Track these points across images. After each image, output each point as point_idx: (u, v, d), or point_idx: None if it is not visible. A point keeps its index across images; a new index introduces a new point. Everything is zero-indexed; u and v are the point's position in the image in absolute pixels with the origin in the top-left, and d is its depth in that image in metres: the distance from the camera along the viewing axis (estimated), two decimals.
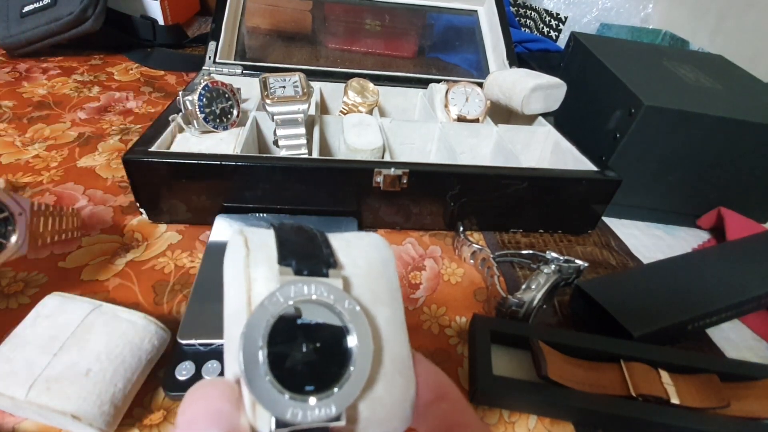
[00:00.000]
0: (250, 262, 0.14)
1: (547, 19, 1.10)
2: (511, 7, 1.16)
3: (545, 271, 0.40)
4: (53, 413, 0.26)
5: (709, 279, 0.42)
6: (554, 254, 0.43)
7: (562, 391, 0.32)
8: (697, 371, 0.34)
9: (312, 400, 0.13)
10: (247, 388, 0.12)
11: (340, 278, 0.15)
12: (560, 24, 1.07)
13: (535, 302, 0.38)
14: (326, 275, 0.14)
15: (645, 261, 0.52)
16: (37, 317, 0.30)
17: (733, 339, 0.43)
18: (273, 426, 0.12)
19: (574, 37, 0.69)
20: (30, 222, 0.34)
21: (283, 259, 0.14)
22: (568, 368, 0.34)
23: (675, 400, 0.32)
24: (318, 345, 0.13)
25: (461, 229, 0.48)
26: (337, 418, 0.13)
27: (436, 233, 0.51)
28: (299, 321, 0.13)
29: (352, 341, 0.14)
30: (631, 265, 0.51)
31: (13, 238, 0.33)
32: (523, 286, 0.39)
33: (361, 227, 0.49)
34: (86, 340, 0.29)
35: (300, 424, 0.12)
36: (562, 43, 1.05)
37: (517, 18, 1.16)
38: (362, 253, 0.16)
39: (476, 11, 0.80)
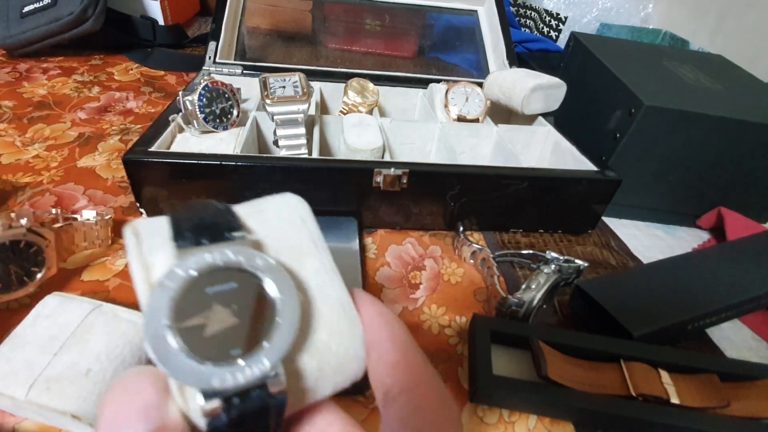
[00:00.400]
0: (143, 250, 0.14)
1: (547, 19, 1.10)
2: (511, 7, 1.16)
3: (545, 271, 0.40)
4: (53, 413, 0.26)
5: (709, 279, 0.42)
6: (554, 254, 0.43)
7: (562, 390, 0.32)
8: (697, 371, 0.34)
9: (240, 361, 0.12)
10: (164, 370, 0.11)
11: (246, 239, 0.14)
12: (560, 24, 1.07)
13: (535, 302, 0.38)
14: (230, 239, 0.13)
15: (645, 261, 0.52)
16: (37, 317, 0.30)
17: (733, 339, 0.43)
18: (201, 401, 0.11)
19: (574, 37, 0.69)
20: (56, 246, 0.37)
21: (179, 236, 0.13)
22: (568, 368, 0.34)
23: (675, 400, 0.32)
24: (236, 307, 0.12)
25: (461, 229, 0.48)
26: (274, 375, 0.12)
27: (436, 233, 0.51)
28: (209, 290, 0.12)
29: (273, 294, 0.13)
30: (631, 265, 0.51)
31: (43, 271, 0.36)
32: (523, 286, 0.39)
33: (361, 227, 0.49)
34: (86, 340, 0.29)
35: (231, 388, 0.11)
36: (562, 43, 1.05)
37: (517, 18, 1.16)
38: (275, 214, 0.16)
39: (476, 11, 0.80)
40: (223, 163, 0.41)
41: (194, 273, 0.12)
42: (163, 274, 0.12)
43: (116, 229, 0.43)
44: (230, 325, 0.12)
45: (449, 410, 0.14)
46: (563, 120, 0.62)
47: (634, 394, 0.32)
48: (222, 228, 0.14)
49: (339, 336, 0.14)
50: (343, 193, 0.45)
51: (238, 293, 0.13)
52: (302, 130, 0.49)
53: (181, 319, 0.12)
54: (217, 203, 0.15)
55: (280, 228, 0.15)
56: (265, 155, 0.44)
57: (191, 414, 0.12)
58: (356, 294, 0.16)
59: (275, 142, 0.49)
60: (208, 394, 0.11)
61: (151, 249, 0.14)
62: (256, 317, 0.12)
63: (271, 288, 0.13)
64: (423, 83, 0.66)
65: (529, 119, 0.62)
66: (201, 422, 0.11)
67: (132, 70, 0.81)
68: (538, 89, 0.56)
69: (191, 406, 0.12)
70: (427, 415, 0.13)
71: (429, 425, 0.13)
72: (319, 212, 0.16)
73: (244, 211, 0.16)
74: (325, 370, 0.14)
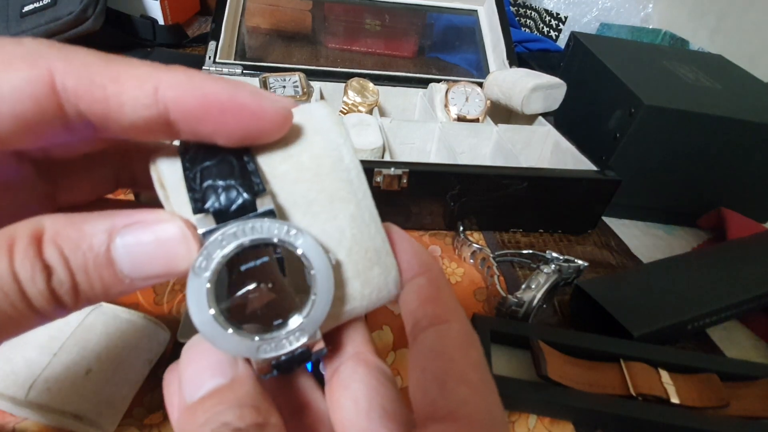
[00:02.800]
0: (172, 205, 0.13)
1: (547, 18, 1.10)
2: (511, 7, 1.16)
3: (545, 270, 0.40)
4: (53, 413, 0.26)
5: (709, 279, 0.42)
6: (554, 254, 0.43)
7: (562, 390, 0.32)
8: (696, 371, 0.34)
9: (282, 332, 0.13)
10: (220, 349, 0.12)
11: (271, 205, 0.13)
12: (560, 24, 1.07)
13: (535, 302, 0.38)
14: (254, 208, 0.13)
15: (645, 261, 0.52)
16: None
17: (733, 339, 0.43)
18: (257, 366, 0.13)
19: (574, 36, 0.69)
20: None
21: (198, 207, 0.12)
22: (567, 368, 0.34)
23: (675, 400, 0.32)
24: (270, 281, 0.13)
25: (461, 228, 0.48)
26: (314, 339, 0.13)
27: (436, 233, 0.51)
28: (243, 267, 0.13)
29: (306, 263, 0.13)
30: (631, 265, 0.51)
31: None
32: (523, 286, 0.39)
33: None
34: (86, 340, 0.29)
35: (277, 356, 0.13)
36: (562, 43, 1.05)
37: (517, 18, 1.16)
38: (306, 148, 0.14)
39: (476, 11, 0.80)
40: None
41: (225, 256, 0.12)
42: (194, 260, 0.12)
43: None
44: (269, 301, 0.13)
45: (476, 350, 0.14)
46: (563, 120, 0.62)
47: (633, 393, 0.32)
48: (244, 189, 0.13)
49: (372, 285, 0.15)
50: None
51: (270, 267, 0.13)
52: None
53: (222, 302, 0.12)
54: (236, 159, 0.13)
55: (312, 167, 0.14)
56: None
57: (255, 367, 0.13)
58: (393, 232, 0.15)
59: None
60: (263, 362, 0.13)
61: (180, 205, 0.13)
62: (292, 287, 0.13)
63: (303, 258, 0.13)
64: (423, 83, 0.66)
65: (529, 119, 0.62)
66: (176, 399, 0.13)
67: None
68: (538, 89, 0.56)
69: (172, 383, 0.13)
70: (454, 354, 0.13)
71: (456, 364, 0.13)
72: None
73: (266, 154, 0.14)
74: (356, 308, 0.15)
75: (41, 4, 0.74)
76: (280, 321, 0.13)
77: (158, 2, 0.88)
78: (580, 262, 0.42)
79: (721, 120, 0.50)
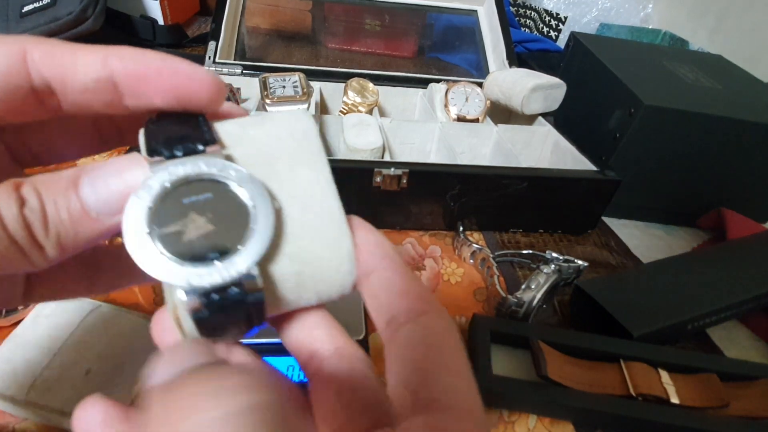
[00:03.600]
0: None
1: (547, 19, 1.10)
2: (510, 7, 1.16)
3: (545, 270, 0.40)
4: (53, 413, 0.26)
5: (709, 279, 0.42)
6: (554, 254, 0.43)
7: (562, 390, 0.32)
8: (696, 371, 0.34)
9: (217, 263, 0.12)
10: (147, 270, 0.12)
11: (219, 151, 0.14)
12: (560, 24, 1.07)
13: (535, 302, 0.38)
14: (203, 152, 0.14)
15: (645, 261, 0.52)
16: (37, 317, 0.30)
17: (733, 339, 0.43)
18: (183, 296, 0.12)
19: (574, 37, 0.69)
20: None
21: (152, 150, 0.13)
22: (567, 368, 0.34)
23: (674, 400, 0.32)
24: (211, 215, 0.13)
25: (461, 228, 0.48)
26: (249, 275, 0.13)
27: (435, 233, 0.51)
28: (185, 200, 0.13)
29: (247, 202, 0.13)
30: (631, 265, 0.51)
31: None
32: (523, 286, 0.39)
33: None
34: (86, 340, 0.29)
35: (209, 286, 0.12)
36: (562, 43, 1.05)
37: (517, 18, 1.16)
38: (276, 124, 0.16)
39: (476, 11, 0.80)
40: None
41: (168, 185, 0.13)
42: (138, 186, 0.13)
43: None
44: (207, 232, 0.13)
45: (455, 341, 0.13)
46: (563, 120, 0.62)
47: (633, 393, 0.32)
48: (196, 140, 0.14)
49: (322, 243, 0.14)
50: (342, 193, 0.45)
51: (213, 202, 0.13)
52: None
53: (160, 226, 0.12)
54: (193, 114, 0.15)
55: (283, 135, 0.16)
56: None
57: (178, 311, 0.13)
58: (354, 220, 0.16)
59: None
60: (189, 292, 0.12)
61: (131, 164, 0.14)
62: (232, 224, 0.13)
63: (244, 196, 0.13)
64: (423, 83, 0.66)
65: (529, 119, 0.63)
66: (186, 317, 0.12)
67: None
68: (538, 89, 0.56)
69: (177, 304, 0.13)
70: (435, 344, 0.13)
71: (436, 354, 0.13)
72: None
73: (239, 122, 0.16)
74: (306, 273, 0.14)
75: (41, 4, 0.74)
76: (216, 254, 0.13)
77: (158, 2, 0.88)
78: (579, 262, 0.42)
79: (720, 120, 0.50)
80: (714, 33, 0.91)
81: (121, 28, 0.85)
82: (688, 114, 0.50)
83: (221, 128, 0.15)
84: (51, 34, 0.75)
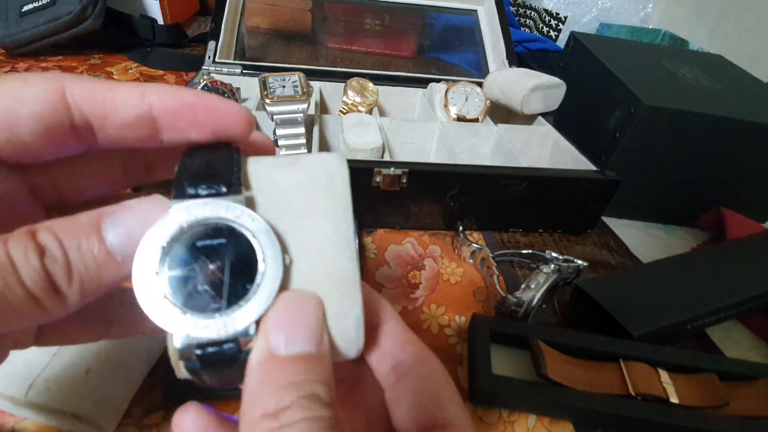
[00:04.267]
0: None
1: (547, 18, 1.10)
2: (510, 7, 1.16)
3: (545, 270, 0.40)
4: (53, 413, 0.26)
5: (709, 279, 0.42)
6: (554, 254, 0.43)
7: (562, 390, 0.32)
8: (696, 371, 0.34)
9: (217, 315, 0.12)
10: (147, 312, 0.12)
11: (242, 196, 0.14)
12: (560, 24, 1.07)
13: (535, 302, 0.38)
14: (226, 194, 0.13)
15: (644, 261, 0.52)
16: None
17: (733, 339, 0.43)
18: (178, 344, 0.12)
19: (573, 36, 0.69)
20: None
21: (179, 184, 0.13)
22: (567, 367, 0.34)
23: (674, 400, 0.32)
24: (221, 263, 0.13)
25: (461, 228, 0.48)
26: (247, 334, 0.12)
27: (435, 233, 0.51)
28: (199, 243, 0.13)
29: (258, 255, 0.13)
30: (631, 264, 0.51)
31: None
32: (523, 286, 0.39)
33: (361, 227, 0.49)
34: None
35: (204, 340, 0.12)
36: (561, 42, 1.05)
37: (517, 18, 1.16)
38: (305, 169, 0.15)
39: (476, 11, 0.80)
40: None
41: (184, 224, 0.13)
42: (156, 223, 0.13)
43: None
44: (214, 280, 0.13)
45: (450, 379, 0.17)
46: (563, 120, 0.62)
47: (633, 393, 0.32)
48: (221, 181, 0.14)
49: (331, 307, 0.14)
50: None
51: (225, 250, 0.13)
52: (302, 130, 0.49)
53: (168, 268, 0.12)
54: (228, 151, 0.15)
55: (304, 184, 0.15)
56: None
57: (171, 355, 0.13)
58: (364, 287, 0.16)
59: (275, 142, 0.49)
60: (185, 342, 0.12)
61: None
62: (239, 276, 0.13)
63: (257, 248, 0.13)
64: (423, 83, 0.66)
65: (529, 119, 0.63)
66: (180, 363, 0.12)
67: (131, 69, 0.81)
68: (538, 89, 0.56)
69: (170, 348, 0.13)
70: (440, 381, 0.16)
71: (442, 389, 0.16)
72: None
73: (270, 162, 0.15)
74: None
75: (40, 3, 0.74)
76: (218, 305, 0.12)
77: (158, 2, 0.88)
78: (579, 262, 0.42)
79: (720, 120, 0.50)
80: (714, 33, 0.91)
81: (121, 28, 0.85)
82: (687, 114, 0.50)
83: (252, 167, 0.15)
84: (50, 33, 0.75)
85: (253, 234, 0.13)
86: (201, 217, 0.13)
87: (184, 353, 0.12)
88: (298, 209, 0.15)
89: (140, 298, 0.12)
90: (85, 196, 0.17)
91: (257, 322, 0.13)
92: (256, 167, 0.15)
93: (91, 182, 0.17)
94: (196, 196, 0.13)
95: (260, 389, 0.12)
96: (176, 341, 0.12)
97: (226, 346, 0.12)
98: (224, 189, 0.13)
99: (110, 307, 0.18)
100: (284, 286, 0.14)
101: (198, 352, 0.12)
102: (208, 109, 0.15)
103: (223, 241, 0.13)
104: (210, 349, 0.12)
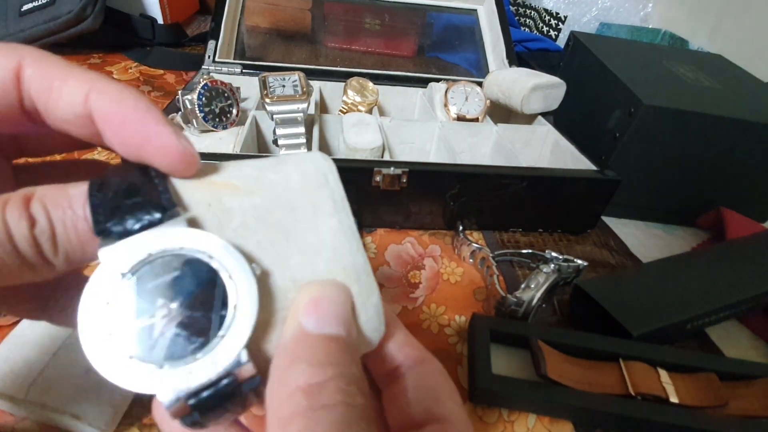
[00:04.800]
0: None
1: (547, 18, 1.10)
2: (510, 7, 1.16)
3: (544, 270, 0.40)
4: (53, 413, 0.26)
5: (709, 279, 0.42)
6: (554, 253, 0.43)
7: (562, 390, 0.32)
8: (696, 370, 0.34)
9: (199, 355, 0.11)
10: (116, 383, 0.10)
11: (182, 217, 0.12)
12: (560, 23, 1.07)
13: (535, 301, 0.38)
14: (161, 221, 0.11)
15: (644, 261, 0.52)
16: None
17: (733, 339, 0.43)
18: (166, 402, 0.10)
19: (573, 36, 0.69)
20: None
21: (101, 228, 0.11)
22: (567, 367, 0.34)
23: (674, 399, 0.32)
24: (182, 298, 0.11)
25: (461, 228, 0.48)
26: (240, 364, 0.11)
27: (435, 232, 0.51)
28: (149, 285, 0.11)
29: (222, 275, 0.11)
30: (630, 264, 0.51)
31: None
32: (523, 285, 0.39)
33: (361, 227, 0.49)
34: None
35: (194, 389, 0.11)
36: (561, 42, 1.05)
37: (517, 17, 1.16)
38: (296, 167, 0.15)
39: (476, 10, 0.80)
40: (222, 162, 0.41)
41: (125, 270, 0.11)
42: (91, 279, 0.11)
43: None
44: (181, 320, 0.11)
45: (448, 378, 0.17)
46: (563, 119, 0.62)
47: (633, 393, 0.32)
48: (151, 207, 0.12)
49: (354, 301, 0.14)
50: None
51: (182, 282, 0.11)
52: (302, 129, 0.48)
53: (123, 325, 0.11)
54: (141, 170, 0.13)
55: (298, 183, 0.14)
56: (264, 154, 0.44)
57: (159, 423, 0.11)
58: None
59: (275, 141, 0.49)
60: (173, 398, 0.11)
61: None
62: (208, 305, 0.11)
63: (219, 269, 0.11)
64: (423, 82, 0.66)
65: (529, 119, 0.62)
66: (175, 423, 0.11)
67: (131, 69, 0.81)
68: (538, 88, 0.56)
69: (157, 413, 0.11)
70: (440, 380, 0.16)
71: (441, 387, 0.16)
72: None
73: (254, 164, 0.15)
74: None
75: (40, 2, 0.74)
76: (197, 343, 0.11)
77: (157, 1, 0.88)
78: (579, 261, 0.42)
79: (720, 120, 0.50)
80: (714, 33, 0.91)
81: (121, 27, 0.85)
82: (687, 114, 0.50)
83: (234, 171, 0.14)
84: (50, 32, 0.75)
85: (209, 255, 0.11)
86: (142, 258, 0.11)
87: (177, 409, 0.11)
88: (297, 208, 0.14)
89: (101, 369, 0.10)
90: (50, 153, 0.18)
91: (247, 348, 0.11)
92: (240, 170, 0.14)
93: (55, 144, 0.18)
94: (126, 233, 0.11)
95: (293, 365, 0.11)
96: (163, 400, 0.10)
97: (222, 384, 0.11)
98: (158, 215, 0.12)
99: (45, 291, 0.17)
100: (266, 298, 0.12)
101: (192, 401, 0.11)
102: (139, 127, 0.13)
103: (176, 273, 0.11)
104: (205, 394, 0.11)
